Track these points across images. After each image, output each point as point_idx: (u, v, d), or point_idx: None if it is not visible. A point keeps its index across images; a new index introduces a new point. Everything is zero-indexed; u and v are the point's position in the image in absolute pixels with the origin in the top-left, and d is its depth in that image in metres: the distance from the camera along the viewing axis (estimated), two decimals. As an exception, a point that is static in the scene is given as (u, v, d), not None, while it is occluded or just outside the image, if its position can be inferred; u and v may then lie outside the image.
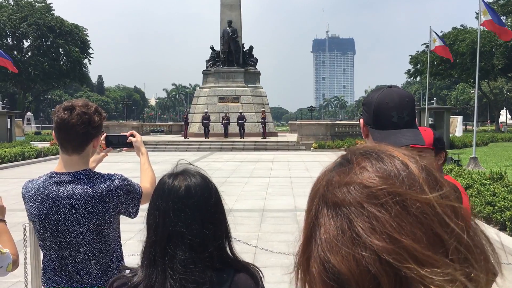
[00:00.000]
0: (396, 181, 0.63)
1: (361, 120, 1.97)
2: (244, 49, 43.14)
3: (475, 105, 20.06)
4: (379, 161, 0.66)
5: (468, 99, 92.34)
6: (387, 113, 1.85)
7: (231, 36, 41.19)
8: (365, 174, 0.65)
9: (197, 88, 48.63)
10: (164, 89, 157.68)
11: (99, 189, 2.27)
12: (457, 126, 40.30)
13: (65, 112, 2.27)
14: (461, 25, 57.50)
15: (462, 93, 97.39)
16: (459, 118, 42.86)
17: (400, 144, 1.76)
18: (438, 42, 23.65)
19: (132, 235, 7.54)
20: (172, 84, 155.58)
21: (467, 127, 64.95)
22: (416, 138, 1.87)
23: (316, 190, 0.69)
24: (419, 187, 0.62)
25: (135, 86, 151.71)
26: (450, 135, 33.75)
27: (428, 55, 31.19)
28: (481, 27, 20.11)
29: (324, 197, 0.66)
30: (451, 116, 36.78)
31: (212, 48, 43.65)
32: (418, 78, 74.20)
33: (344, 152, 0.73)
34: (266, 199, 12.66)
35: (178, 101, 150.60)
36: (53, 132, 2.36)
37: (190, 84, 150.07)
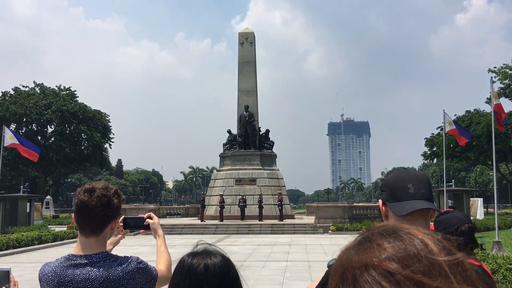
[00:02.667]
0: (415, 262, 0.61)
1: (380, 201, 2.00)
2: (261, 133, 43.95)
3: (495, 187, 19.82)
4: (398, 240, 0.65)
5: (487, 181, 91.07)
6: (403, 185, 1.90)
7: (248, 120, 42.18)
8: (384, 255, 0.64)
9: (214, 171, 49.04)
10: (181, 172, 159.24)
11: (115, 272, 2.27)
12: (478, 208, 39.51)
13: (85, 194, 2.33)
14: (475, 109, 58.02)
15: (481, 175, 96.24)
16: (480, 200, 42.11)
17: (417, 208, 1.81)
18: (453, 126, 23.94)
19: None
20: (189, 167, 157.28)
21: (488, 209, 63.48)
22: (433, 205, 1.90)
23: (336, 269, 0.68)
24: (439, 267, 0.61)
25: (153, 169, 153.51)
26: (471, 217, 32.97)
27: (443, 137, 31.33)
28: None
29: (343, 277, 0.65)
30: (471, 199, 36.17)
31: (229, 131, 44.57)
32: (435, 160, 73.89)
33: (363, 231, 0.73)
34: (284, 284, 12.30)
35: (195, 183, 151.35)
36: (73, 215, 2.41)
37: (207, 167, 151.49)
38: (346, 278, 0.65)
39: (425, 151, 63.83)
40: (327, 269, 2.01)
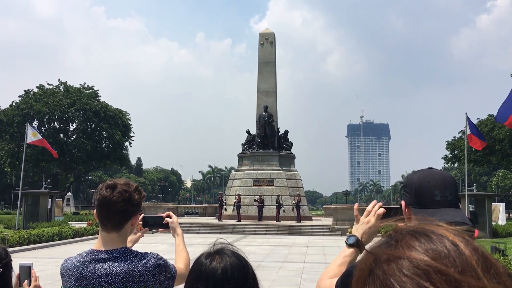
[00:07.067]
0: (448, 262, 0.60)
1: (403, 202, 1.93)
2: (280, 133, 43.90)
3: (518, 192, 19.46)
4: (428, 241, 0.64)
5: (510, 185, 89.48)
6: (429, 191, 1.82)
7: (267, 120, 42.18)
8: (414, 252, 0.62)
9: (233, 171, 49.13)
10: (200, 171, 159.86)
11: (135, 267, 2.29)
12: (499, 213, 38.86)
13: (107, 190, 2.36)
14: (498, 112, 56.94)
15: (503, 180, 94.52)
16: (501, 206, 41.37)
17: (444, 221, 1.74)
18: (469, 131, 23.75)
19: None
20: (208, 166, 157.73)
21: (511, 215, 62.33)
22: (462, 216, 1.82)
23: (362, 269, 0.65)
24: (472, 270, 0.59)
25: (172, 168, 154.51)
26: (493, 223, 32.44)
27: (465, 141, 30.86)
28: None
29: (372, 274, 0.63)
30: (492, 203, 35.56)
31: (248, 132, 44.61)
32: (456, 164, 72.87)
33: (390, 232, 0.69)
34: (301, 286, 12.26)
35: (214, 183, 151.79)
36: (95, 211, 2.44)
37: (225, 167, 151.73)
38: (375, 275, 0.62)
39: (446, 155, 63.06)
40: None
